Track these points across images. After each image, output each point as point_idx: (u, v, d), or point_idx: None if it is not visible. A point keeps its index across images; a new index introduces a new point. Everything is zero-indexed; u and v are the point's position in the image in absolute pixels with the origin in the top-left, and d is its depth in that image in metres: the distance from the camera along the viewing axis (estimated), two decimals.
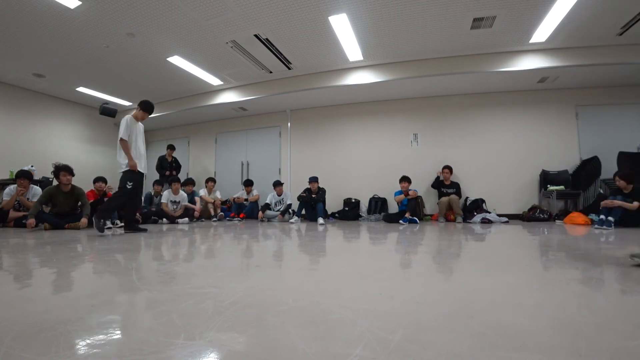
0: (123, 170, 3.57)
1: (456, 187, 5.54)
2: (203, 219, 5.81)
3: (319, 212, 5.31)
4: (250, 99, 6.17)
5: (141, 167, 3.68)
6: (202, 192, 6.17)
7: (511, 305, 1.03)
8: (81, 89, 6.21)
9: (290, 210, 5.87)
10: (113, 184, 5.27)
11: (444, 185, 5.60)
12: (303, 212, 5.71)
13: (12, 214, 4.26)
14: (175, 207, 5.41)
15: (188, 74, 5.56)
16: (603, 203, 3.99)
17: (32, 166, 5.32)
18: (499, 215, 5.11)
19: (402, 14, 3.88)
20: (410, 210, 5.13)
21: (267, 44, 4.57)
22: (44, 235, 3.30)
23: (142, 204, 5.37)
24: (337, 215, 6.17)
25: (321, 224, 4.86)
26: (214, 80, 5.91)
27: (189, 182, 6.14)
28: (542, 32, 4.22)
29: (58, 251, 2.22)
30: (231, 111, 7.02)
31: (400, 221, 5.04)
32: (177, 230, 3.97)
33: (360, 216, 6.08)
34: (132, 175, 3.58)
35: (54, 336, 0.78)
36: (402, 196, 5.36)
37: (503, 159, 5.75)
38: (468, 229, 4.01)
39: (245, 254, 2.19)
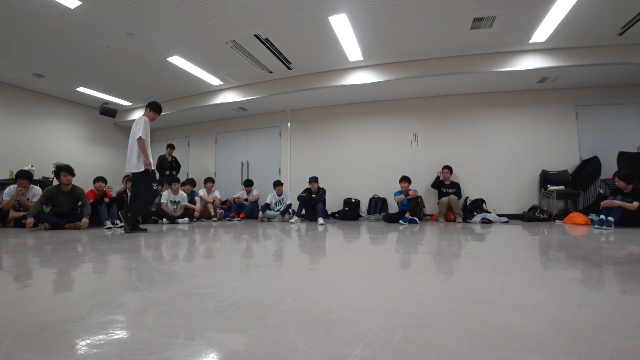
0: (139, 170, 3.57)
1: (456, 187, 5.54)
2: (203, 219, 5.81)
3: (319, 212, 5.31)
4: (250, 99, 6.17)
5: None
6: (202, 192, 6.17)
7: (511, 305, 1.03)
8: (81, 89, 6.21)
9: (290, 210, 5.87)
10: (113, 184, 5.29)
11: (444, 185, 5.60)
12: (303, 212, 5.71)
13: (12, 214, 4.26)
14: (175, 207, 5.41)
15: (188, 74, 5.55)
16: (603, 203, 3.99)
17: (32, 166, 5.32)
18: (499, 215, 5.11)
19: (402, 14, 3.88)
20: (410, 210, 5.13)
21: (267, 44, 4.57)
22: (44, 235, 3.30)
23: None
24: (337, 215, 6.17)
25: (321, 224, 4.86)
26: (214, 80, 5.91)
27: (189, 182, 6.14)
28: (542, 32, 4.22)
29: (58, 251, 2.22)
30: (231, 111, 7.02)
31: (400, 221, 5.04)
32: (177, 230, 3.97)
33: (360, 216, 6.08)
34: (154, 175, 3.64)
35: (54, 336, 0.78)
36: (402, 196, 5.36)
37: (503, 159, 5.75)
38: (468, 229, 4.01)
39: (245, 254, 2.19)
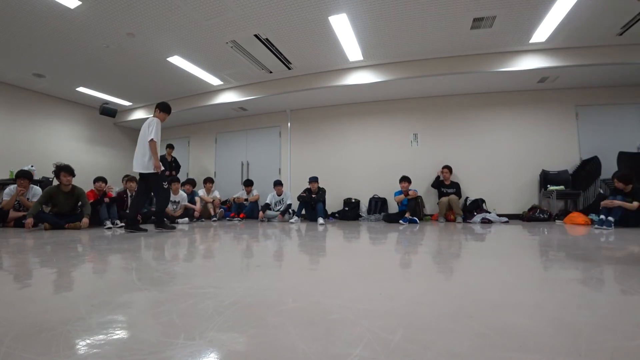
0: (149, 171, 3.62)
1: (456, 187, 5.54)
2: (203, 219, 5.81)
3: (319, 212, 5.31)
4: (250, 99, 6.17)
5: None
6: (201, 192, 6.17)
7: (511, 305, 1.03)
8: (81, 89, 6.21)
9: (290, 210, 5.87)
10: (113, 184, 5.28)
11: (444, 185, 5.60)
12: (303, 212, 5.71)
13: (12, 214, 4.26)
14: (175, 207, 5.41)
15: (188, 74, 5.55)
16: (603, 203, 3.99)
17: (32, 166, 5.32)
18: (499, 215, 5.11)
19: (402, 14, 3.88)
20: (410, 210, 5.13)
21: (267, 44, 4.57)
22: (44, 235, 3.30)
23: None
24: (337, 215, 6.17)
25: (321, 224, 4.86)
26: (214, 80, 5.91)
27: (189, 182, 6.14)
28: (542, 32, 4.22)
29: (58, 251, 2.22)
30: (231, 111, 7.02)
31: (400, 221, 5.04)
32: (177, 230, 3.97)
33: (360, 216, 6.08)
34: (163, 174, 3.71)
35: (54, 336, 0.78)
36: (402, 196, 5.36)
37: (503, 159, 5.75)
38: (468, 229, 4.01)
39: (245, 254, 2.19)
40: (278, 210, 5.86)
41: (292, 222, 5.29)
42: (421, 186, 5.86)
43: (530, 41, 4.46)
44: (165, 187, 3.76)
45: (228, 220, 5.89)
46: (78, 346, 0.74)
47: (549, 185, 5.23)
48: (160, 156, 6.49)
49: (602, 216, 3.90)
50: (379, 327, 0.84)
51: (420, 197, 5.59)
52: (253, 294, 1.16)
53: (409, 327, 0.84)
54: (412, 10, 3.80)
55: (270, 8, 3.74)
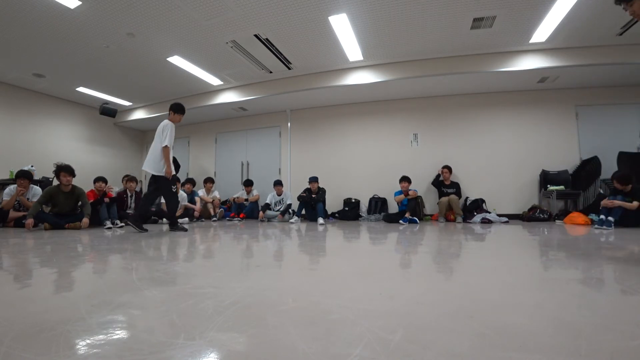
0: (161, 174, 3.67)
1: (456, 187, 5.54)
2: (203, 219, 5.80)
3: (319, 212, 5.31)
4: (250, 99, 6.17)
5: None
6: (201, 192, 6.17)
7: (511, 305, 1.03)
8: (81, 89, 6.21)
9: (290, 210, 5.87)
10: (113, 184, 5.28)
11: (444, 185, 5.60)
12: (303, 212, 5.71)
13: (12, 214, 4.26)
14: None
15: (188, 74, 5.56)
16: (603, 202, 3.99)
17: (32, 166, 5.32)
18: (499, 215, 5.12)
19: (402, 14, 3.88)
20: (410, 210, 5.13)
21: (267, 44, 4.57)
22: (44, 235, 3.30)
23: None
24: (337, 215, 6.17)
25: (321, 224, 4.86)
26: (214, 80, 5.91)
27: (189, 182, 6.14)
28: (542, 32, 4.22)
29: (58, 251, 2.22)
30: (231, 111, 7.02)
31: (400, 221, 5.04)
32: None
33: (360, 216, 6.08)
34: (173, 178, 3.78)
35: (54, 336, 0.78)
36: (402, 196, 5.36)
37: (503, 159, 5.76)
38: (468, 229, 4.01)
39: (245, 254, 2.19)
40: (278, 210, 5.86)
41: (292, 222, 5.29)
42: (421, 186, 5.86)
43: (530, 41, 4.46)
44: (174, 190, 3.85)
45: (228, 220, 5.89)
46: (78, 346, 0.74)
47: (549, 185, 5.23)
48: None
49: (602, 216, 3.90)
50: (379, 327, 0.84)
51: (420, 197, 5.59)
52: (253, 294, 1.16)
53: (409, 327, 0.84)
54: (412, 10, 3.80)
55: (270, 8, 3.74)
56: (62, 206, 4.11)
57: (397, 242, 2.79)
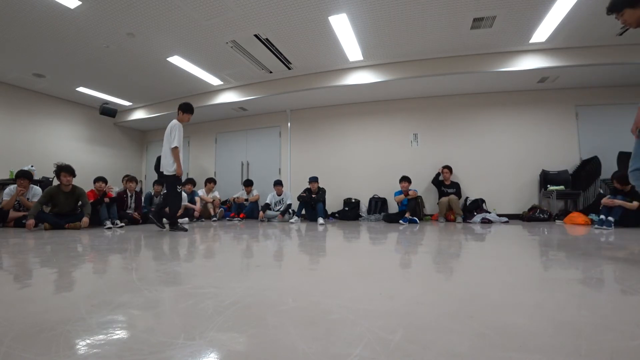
0: (171, 174, 3.76)
1: (456, 187, 5.54)
2: (203, 219, 5.80)
3: (319, 212, 5.31)
4: (250, 99, 6.17)
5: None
6: (201, 192, 6.17)
7: (511, 305, 1.03)
8: (81, 89, 6.21)
9: (290, 210, 5.87)
10: (113, 184, 5.28)
11: (444, 185, 5.60)
12: (303, 212, 5.71)
13: (12, 214, 4.26)
14: None
15: (188, 74, 5.56)
16: (603, 201, 3.99)
17: (32, 166, 5.32)
18: (499, 215, 5.12)
19: (402, 14, 3.88)
20: (410, 210, 5.13)
21: (267, 44, 4.57)
22: (44, 235, 3.30)
23: (142, 203, 5.38)
24: (337, 215, 6.17)
25: (321, 224, 4.86)
26: (214, 80, 5.91)
27: (189, 181, 6.14)
28: (542, 32, 4.22)
29: (58, 251, 2.22)
30: (231, 111, 7.02)
31: (400, 221, 5.04)
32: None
33: (360, 216, 6.08)
34: (180, 179, 3.86)
35: (54, 336, 0.78)
36: (402, 196, 5.36)
37: (503, 159, 5.75)
38: (468, 229, 4.01)
39: (245, 254, 2.19)
40: (278, 210, 5.86)
41: (292, 222, 5.29)
42: (421, 186, 5.86)
43: (530, 41, 4.46)
44: (179, 190, 3.91)
45: (228, 220, 5.89)
46: (78, 346, 0.74)
47: (549, 185, 5.23)
48: (159, 156, 6.54)
49: (602, 216, 3.90)
50: (379, 327, 0.84)
51: (420, 197, 5.59)
52: (253, 294, 1.16)
53: (409, 327, 0.84)
54: (412, 10, 3.80)
55: (270, 8, 3.74)
56: (62, 206, 4.11)
57: (397, 242, 2.79)
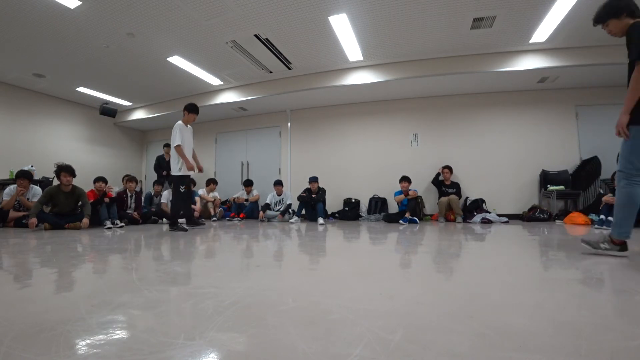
0: (176, 174, 3.92)
1: (456, 187, 5.54)
2: (203, 219, 5.80)
3: (319, 212, 5.30)
4: (250, 99, 6.17)
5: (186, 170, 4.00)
6: (201, 191, 6.17)
7: (511, 305, 1.03)
8: (81, 89, 6.21)
9: (290, 210, 5.87)
10: (113, 184, 5.28)
11: (444, 185, 5.60)
12: (303, 212, 5.71)
13: (12, 214, 4.26)
14: None
15: (188, 74, 5.55)
16: (604, 198, 3.98)
17: (32, 166, 5.31)
18: (499, 215, 5.11)
19: (402, 14, 3.88)
20: (410, 210, 5.13)
21: (267, 44, 4.57)
22: (44, 235, 3.30)
23: (142, 203, 5.39)
24: (337, 215, 6.17)
25: (321, 224, 4.86)
26: (214, 80, 5.91)
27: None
28: (542, 32, 4.22)
29: (58, 251, 2.22)
30: (231, 111, 7.02)
31: (400, 221, 5.04)
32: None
33: (360, 216, 6.08)
34: (184, 179, 4.00)
35: (54, 336, 0.78)
36: (402, 196, 5.36)
37: (503, 159, 5.75)
38: (468, 229, 4.01)
39: (245, 254, 2.19)
40: (278, 210, 5.86)
41: (292, 222, 5.28)
42: (421, 186, 5.86)
43: (530, 41, 4.45)
44: (182, 191, 4.01)
45: (228, 220, 5.89)
46: (78, 346, 0.74)
47: (549, 185, 5.23)
48: (159, 156, 6.56)
49: (602, 216, 3.90)
50: (379, 327, 0.84)
51: (420, 197, 5.59)
52: (253, 294, 1.16)
53: (409, 327, 0.84)
54: (412, 10, 3.80)
55: (270, 8, 3.74)
56: (63, 206, 4.11)
57: (397, 242, 2.79)
